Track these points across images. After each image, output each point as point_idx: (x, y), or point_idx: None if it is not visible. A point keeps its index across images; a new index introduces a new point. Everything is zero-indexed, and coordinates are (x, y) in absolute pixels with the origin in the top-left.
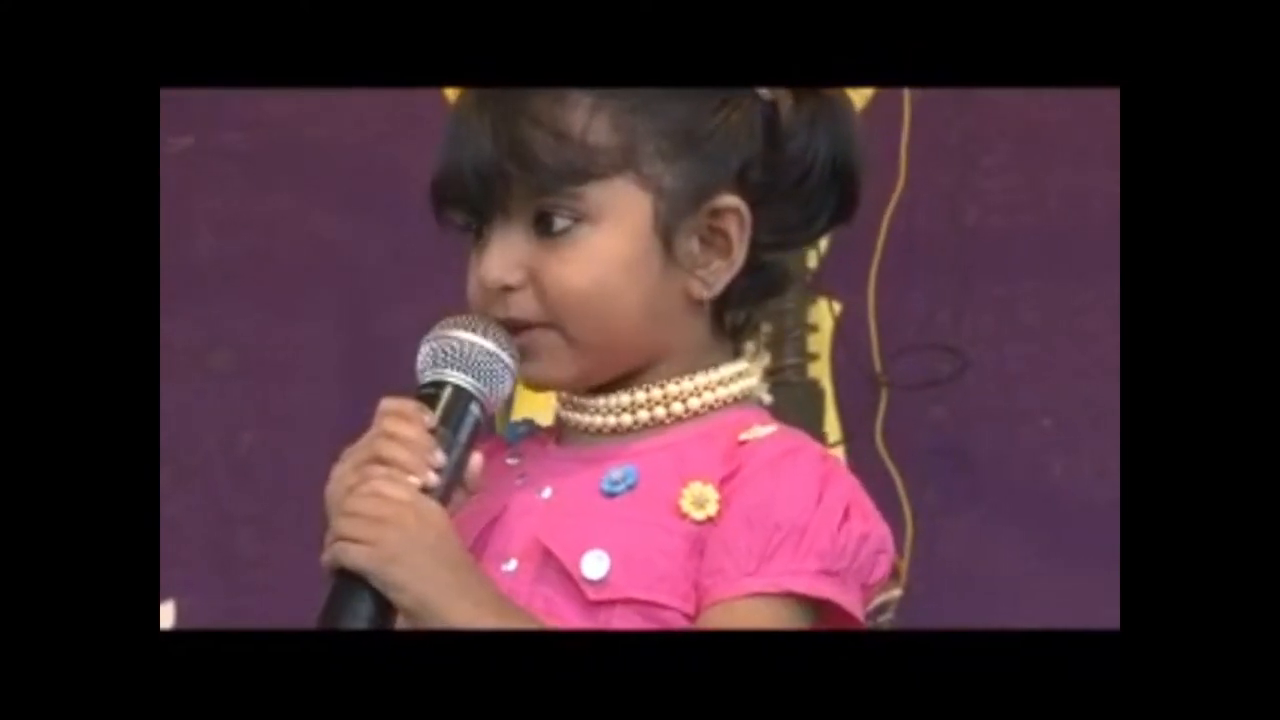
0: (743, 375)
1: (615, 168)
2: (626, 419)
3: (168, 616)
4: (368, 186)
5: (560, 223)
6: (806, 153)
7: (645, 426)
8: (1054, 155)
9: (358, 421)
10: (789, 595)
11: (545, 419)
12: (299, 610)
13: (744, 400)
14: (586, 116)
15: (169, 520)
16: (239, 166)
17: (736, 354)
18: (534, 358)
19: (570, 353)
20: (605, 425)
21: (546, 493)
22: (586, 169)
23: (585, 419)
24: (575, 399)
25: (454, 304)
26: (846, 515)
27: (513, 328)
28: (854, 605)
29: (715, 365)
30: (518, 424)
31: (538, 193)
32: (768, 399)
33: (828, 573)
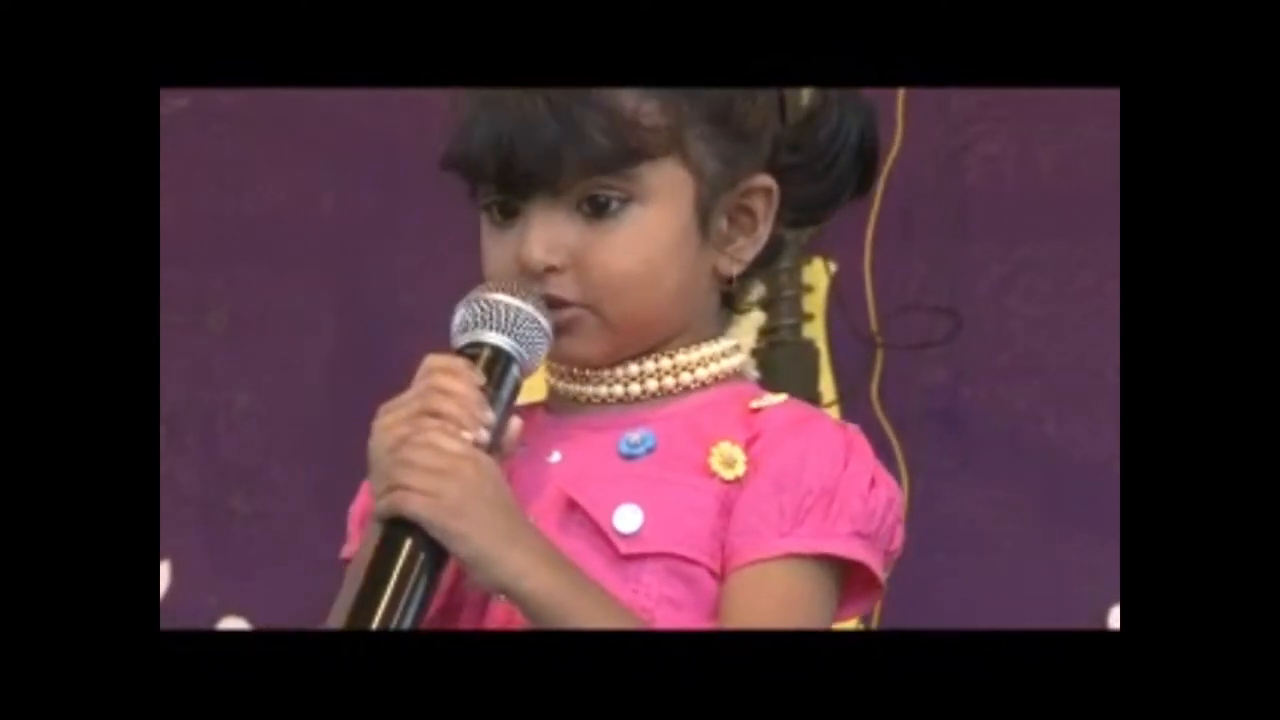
0: (738, 349)
1: (664, 149)
2: (635, 388)
3: (164, 575)
4: (361, 145)
5: (612, 204)
6: (839, 134)
7: (653, 395)
8: (1050, 114)
9: (351, 381)
10: (823, 557)
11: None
12: (293, 569)
13: (739, 376)
14: (637, 98)
15: (164, 479)
16: (232, 126)
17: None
18: (568, 334)
19: (605, 333)
20: (612, 394)
21: (555, 457)
22: (640, 150)
23: (590, 389)
24: (578, 370)
25: (448, 264)
26: (873, 481)
27: (549, 304)
28: (880, 570)
29: (716, 337)
30: None
31: (591, 173)
32: (754, 375)
33: (860, 535)
